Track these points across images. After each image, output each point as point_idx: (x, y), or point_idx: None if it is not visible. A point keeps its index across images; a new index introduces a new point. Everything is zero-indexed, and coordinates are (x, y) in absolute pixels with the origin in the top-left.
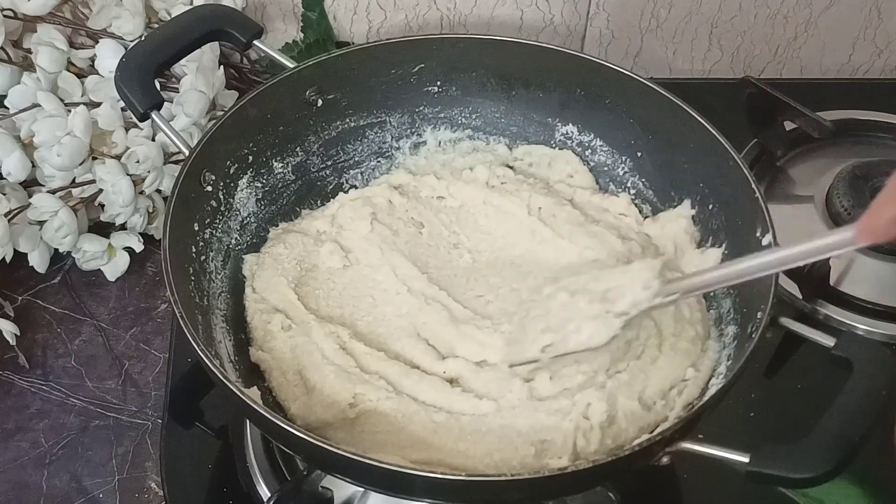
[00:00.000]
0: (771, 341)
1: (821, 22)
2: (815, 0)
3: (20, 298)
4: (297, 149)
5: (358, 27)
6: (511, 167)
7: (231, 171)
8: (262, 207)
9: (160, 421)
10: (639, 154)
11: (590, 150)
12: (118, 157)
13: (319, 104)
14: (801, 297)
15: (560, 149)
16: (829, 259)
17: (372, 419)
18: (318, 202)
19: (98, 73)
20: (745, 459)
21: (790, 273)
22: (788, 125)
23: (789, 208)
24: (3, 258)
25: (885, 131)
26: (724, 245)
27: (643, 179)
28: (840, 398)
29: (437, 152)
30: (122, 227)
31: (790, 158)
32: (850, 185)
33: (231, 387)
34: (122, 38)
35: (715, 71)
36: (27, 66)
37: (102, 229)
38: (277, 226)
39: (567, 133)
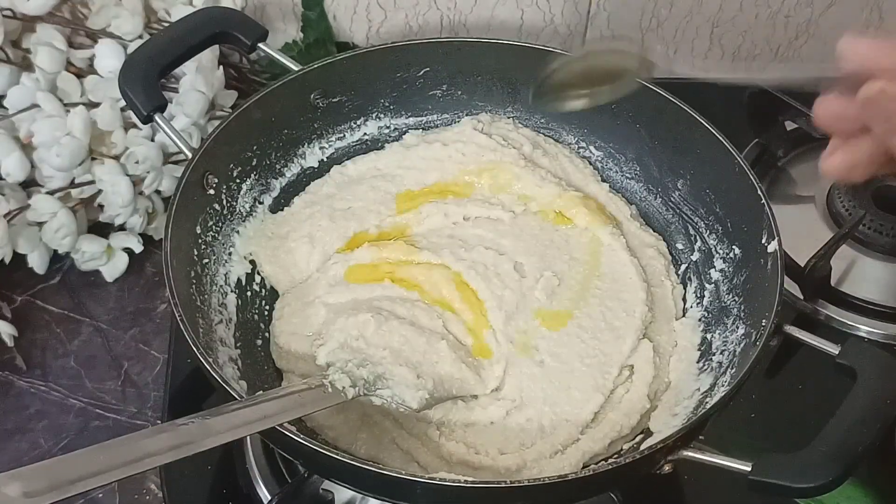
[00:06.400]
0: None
1: (822, 22)
2: (815, 0)
3: (19, 299)
4: (301, 152)
5: (358, 27)
6: None
7: (234, 174)
8: (265, 211)
9: (160, 422)
10: (645, 160)
11: (595, 157)
12: (117, 158)
13: (324, 107)
14: (802, 297)
15: (569, 153)
16: (829, 259)
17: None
18: None
19: (97, 74)
20: (748, 468)
21: (791, 274)
22: (789, 125)
23: (790, 208)
24: (3, 259)
25: None
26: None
27: (648, 185)
28: (844, 407)
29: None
30: (122, 227)
31: (791, 158)
32: (851, 185)
33: (230, 390)
34: (122, 38)
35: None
36: (26, 66)
37: (101, 230)
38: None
39: (573, 138)
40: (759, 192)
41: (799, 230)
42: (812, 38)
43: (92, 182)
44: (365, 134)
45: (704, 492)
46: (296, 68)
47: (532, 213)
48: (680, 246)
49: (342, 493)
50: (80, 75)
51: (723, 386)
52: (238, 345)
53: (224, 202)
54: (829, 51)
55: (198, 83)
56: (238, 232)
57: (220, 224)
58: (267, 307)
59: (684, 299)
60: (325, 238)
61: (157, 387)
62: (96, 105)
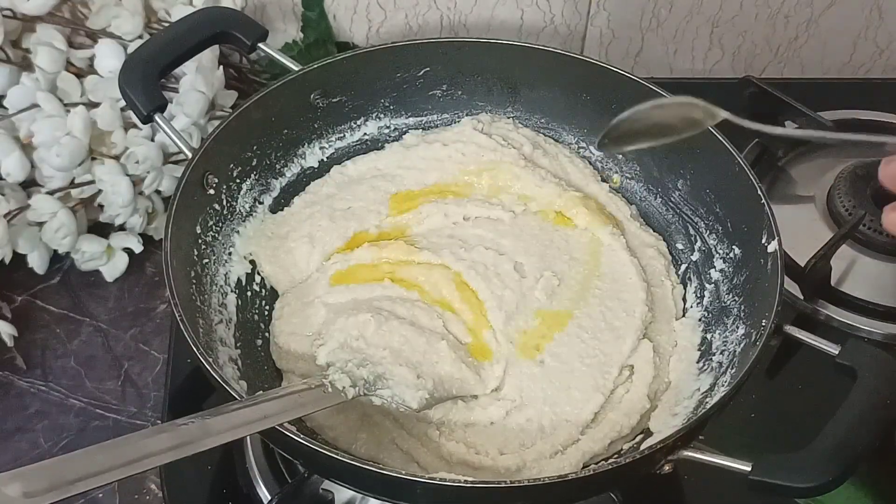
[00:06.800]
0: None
1: (822, 21)
2: (815, 0)
3: (19, 299)
4: (301, 152)
5: (358, 27)
6: None
7: (234, 174)
8: (265, 211)
9: (160, 422)
10: (644, 160)
11: (595, 157)
12: (117, 158)
13: (324, 107)
14: (802, 297)
15: (569, 153)
16: (829, 259)
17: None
18: None
19: (97, 73)
20: (748, 468)
21: (791, 274)
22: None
23: (790, 209)
24: (3, 259)
25: (886, 131)
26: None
27: (648, 185)
28: (843, 407)
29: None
30: (122, 227)
31: (791, 158)
32: (851, 185)
33: (230, 390)
34: (122, 38)
35: (716, 70)
36: (26, 66)
37: (101, 230)
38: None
39: (573, 138)
40: (759, 192)
41: (799, 230)
42: (812, 38)
43: (92, 182)
44: (365, 134)
45: (704, 492)
46: (296, 68)
47: (532, 213)
48: (680, 246)
49: (342, 493)
50: (80, 75)
51: (723, 386)
52: (238, 345)
53: (224, 202)
54: (829, 51)
55: (198, 83)
56: (238, 232)
57: (220, 224)
58: (267, 307)
59: (684, 299)
60: (325, 238)
61: (157, 387)
62: (96, 105)
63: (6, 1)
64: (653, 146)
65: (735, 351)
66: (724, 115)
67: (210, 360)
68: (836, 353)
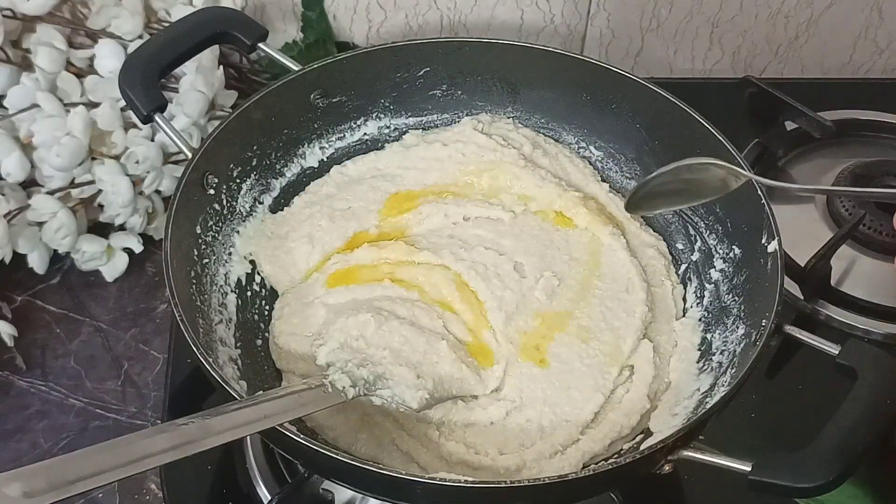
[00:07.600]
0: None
1: (822, 21)
2: (815, 0)
3: (19, 299)
4: (301, 152)
5: (358, 27)
6: None
7: (234, 174)
8: (265, 211)
9: (160, 422)
10: (645, 160)
11: (595, 157)
12: (117, 158)
13: (324, 107)
14: (802, 297)
15: (569, 153)
16: (829, 259)
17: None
18: None
19: (97, 73)
20: (748, 468)
21: (791, 274)
22: (789, 125)
23: (790, 209)
24: (3, 259)
25: (886, 131)
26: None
27: None
28: (843, 407)
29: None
30: (122, 227)
31: (791, 158)
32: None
33: (230, 390)
34: (122, 38)
35: (716, 70)
36: (26, 66)
37: (102, 230)
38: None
39: (573, 138)
40: (759, 192)
41: (799, 230)
42: (812, 38)
43: (92, 182)
44: (365, 134)
45: (704, 492)
46: (296, 68)
47: (532, 213)
48: (680, 246)
49: (342, 493)
50: (80, 75)
51: (723, 386)
52: (238, 345)
53: (224, 202)
54: (829, 51)
55: (198, 83)
56: (238, 232)
57: (220, 224)
58: (267, 307)
59: (684, 299)
60: (324, 238)
61: (157, 387)
62: (96, 105)
63: (6, 1)
64: (682, 207)
65: (735, 351)
66: (748, 175)
67: (210, 360)
68: (836, 353)
